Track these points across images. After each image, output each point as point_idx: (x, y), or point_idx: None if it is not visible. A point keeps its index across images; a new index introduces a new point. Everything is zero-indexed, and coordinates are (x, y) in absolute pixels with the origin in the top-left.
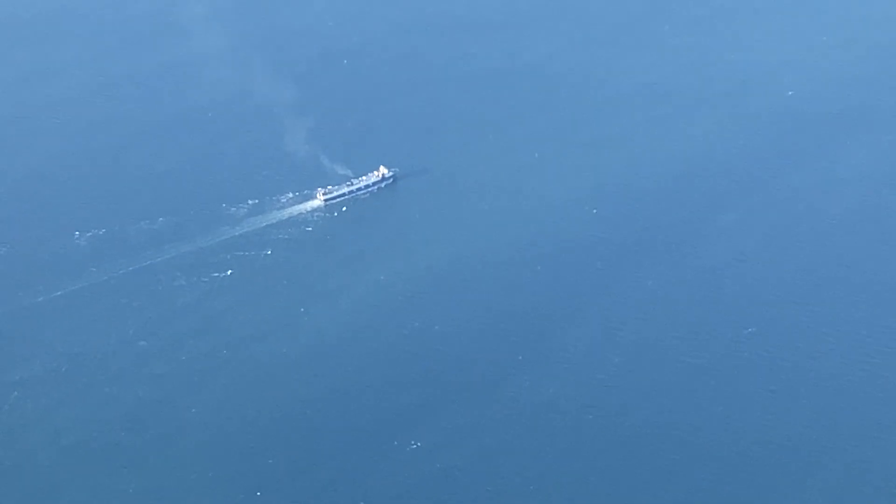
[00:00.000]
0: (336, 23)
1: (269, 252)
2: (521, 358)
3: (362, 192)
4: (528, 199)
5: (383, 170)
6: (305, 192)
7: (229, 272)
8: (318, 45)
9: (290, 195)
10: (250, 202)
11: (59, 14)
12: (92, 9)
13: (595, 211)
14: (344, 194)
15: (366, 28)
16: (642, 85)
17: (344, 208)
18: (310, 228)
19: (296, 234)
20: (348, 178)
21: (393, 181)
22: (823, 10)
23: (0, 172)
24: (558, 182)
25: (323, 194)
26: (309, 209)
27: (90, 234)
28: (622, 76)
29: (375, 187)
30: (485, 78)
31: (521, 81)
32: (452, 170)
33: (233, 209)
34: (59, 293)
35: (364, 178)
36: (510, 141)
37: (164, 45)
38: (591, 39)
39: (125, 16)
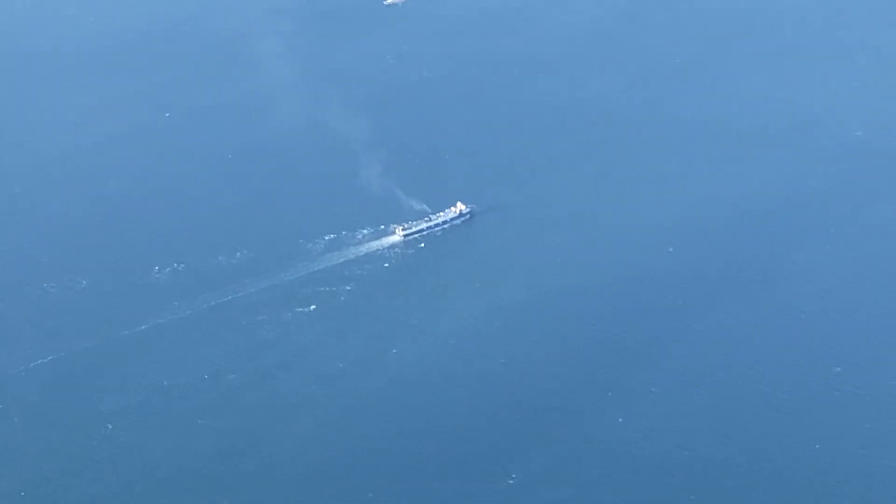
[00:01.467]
0: (400, 60)
1: (350, 287)
2: (610, 394)
3: (440, 227)
4: (603, 234)
5: (460, 206)
6: (381, 227)
7: (312, 307)
8: (386, 81)
9: (367, 230)
10: (327, 237)
11: (132, 47)
12: (165, 42)
13: (671, 249)
14: (422, 230)
15: (430, 65)
16: (709, 122)
17: (422, 244)
18: (388, 264)
19: (375, 270)
20: (425, 214)
21: (470, 217)
22: (885, 51)
23: (76, 204)
24: (631, 217)
25: (402, 230)
26: (387, 245)
27: (169, 268)
28: (688, 113)
29: (453, 223)
30: (552, 113)
31: (587, 117)
32: (527, 205)
33: (310, 244)
34: (143, 327)
35: (442, 213)
36: (582, 176)
37: (238, 79)
38: (656, 76)
39: (197, 49)
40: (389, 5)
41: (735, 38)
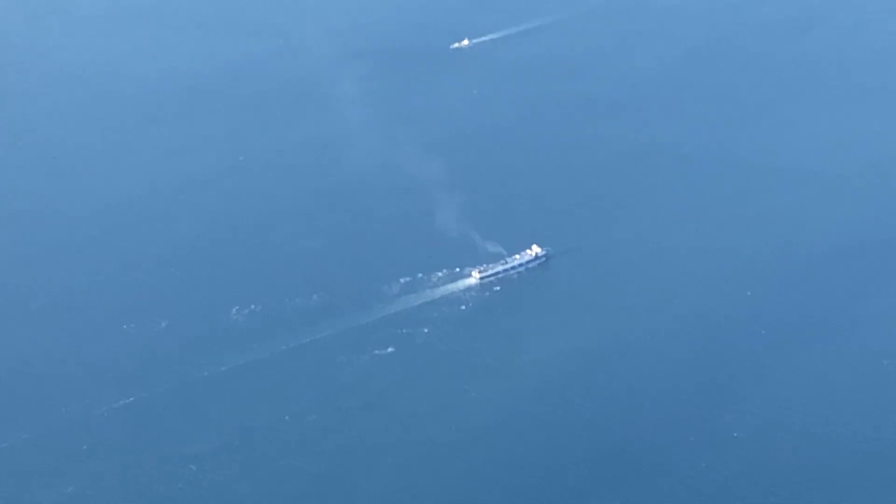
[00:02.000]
0: (471, 102)
1: (427, 330)
2: (692, 438)
3: (515, 270)
4: (680, 278)
5: (536, 248)
6: (456, 269)
7: (390, 349)
8: (458, 124)
9: (443, 273)
10: (402, 280)
11: (207, 90)
12: (239, 85)
13: (749, 293)
14: (499, 272)
15: (500, 107)
16: (783, 165)
17: (497, 287)
18: (465, 307)
19: (452, 313)
20: (500, 256)
21: (546, 259)
22: None
23: (154, 246)
24: (708, 260)
25: (479, 272)
26: (462, 287)
27: (247, 309)
28: (762, 156)
29: (528, 265)
30: (625, 156)
31: (660, 160)
32: (603, 248)
33: (385, 287)
34: (224, 368)
35: (518, 256)
36: (657, 219)
37: (311, 121)
38: (728, 119)
39: (271, 92)
40: (456, 49)
41: (808, 80)
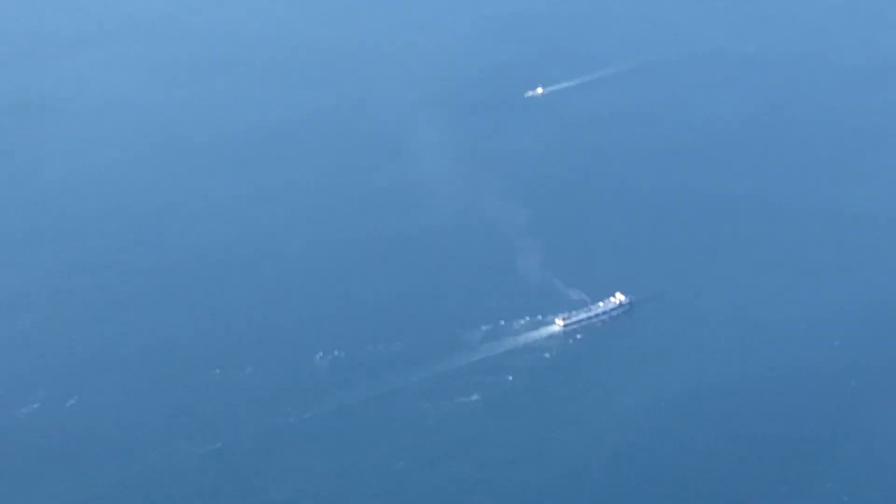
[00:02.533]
0: (548, 149)
1: (512, 378)
2: (784, 488)
3: (599, 317)
4: (766, 327)
5: (620, 296)
6: (538, 317)
7: (474, 397)
8: (536, 171)
9: (525, 320)
10: (484, 327)
11: (283, 136)
12: (314, 132)
13: (836, 343)
14: (582, 320)
15: (577, 154)
16: (867, 214)
17: (580, 335)
18: (548, 354)
19: (536, 360)
20: (584, 304)
21: (630, 308)
22: None
23: (237, 293)
24: (793, 309)
25: (563, 320)
26: (545, 335)
27: (331, 356)
28: (844, 203)
29: (612, 313)
30: (705, 203)
31: (741, 208)
32: (687, 296)
33: (467, 334)
34: (308, 415)
35: (602, 303)
36: (741, 267)
37: (388, 168)
38: (808, 168)
39: (349, 139)
40: (529, 97)
41: (889, 128)
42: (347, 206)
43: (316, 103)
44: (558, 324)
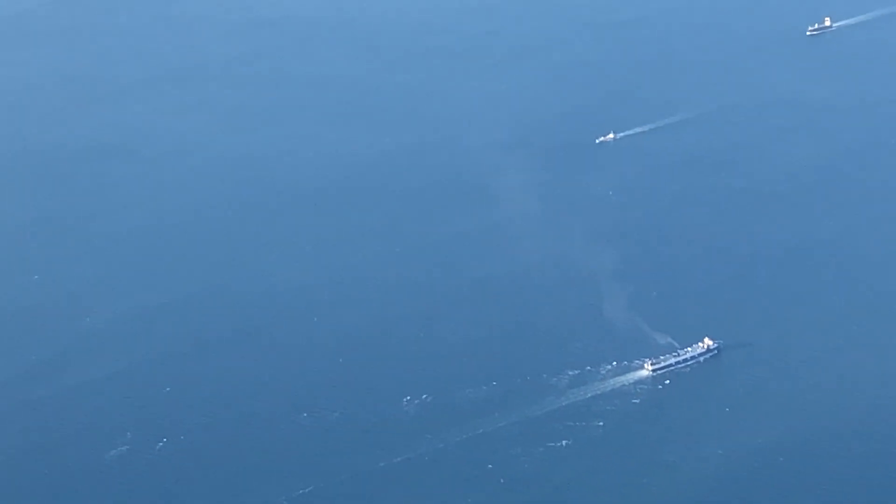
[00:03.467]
0: (626, 194)
1: (602, 423)
2: None
3: (687, 363)
4: (852, 376)
5: (708, 341)
6: (624, 362)
7: (564, 442)
8: (615, 215)
9: (612, 365)
10: (571, 372)
11: (359, 181)
12: (389, 176)
13: None
14: (671, 365)
15: (655, 199)
16: None
17: (667, 381)
18: (637, 400)
19: (625, 405)
20: (673, 349)
21: (717, 353)
22: None
23: (320, 338)
24: (883, 357)
25: (651, 364)
26: (632, 380)
27: (418, 400)
28: None
29: (700, 359)
30: (788, 249)
31: (823, 255)
32: (775, 343)
33: (554, 379)
34: (399, 459)
35: (689, 349)
36: (826, 315)
37: (465, 213)
38: (887, 214)
39: (423, 183)
40: (601, 143)
41: None
42: (430, 249)
43: (393, 147)
44: (647, 368)
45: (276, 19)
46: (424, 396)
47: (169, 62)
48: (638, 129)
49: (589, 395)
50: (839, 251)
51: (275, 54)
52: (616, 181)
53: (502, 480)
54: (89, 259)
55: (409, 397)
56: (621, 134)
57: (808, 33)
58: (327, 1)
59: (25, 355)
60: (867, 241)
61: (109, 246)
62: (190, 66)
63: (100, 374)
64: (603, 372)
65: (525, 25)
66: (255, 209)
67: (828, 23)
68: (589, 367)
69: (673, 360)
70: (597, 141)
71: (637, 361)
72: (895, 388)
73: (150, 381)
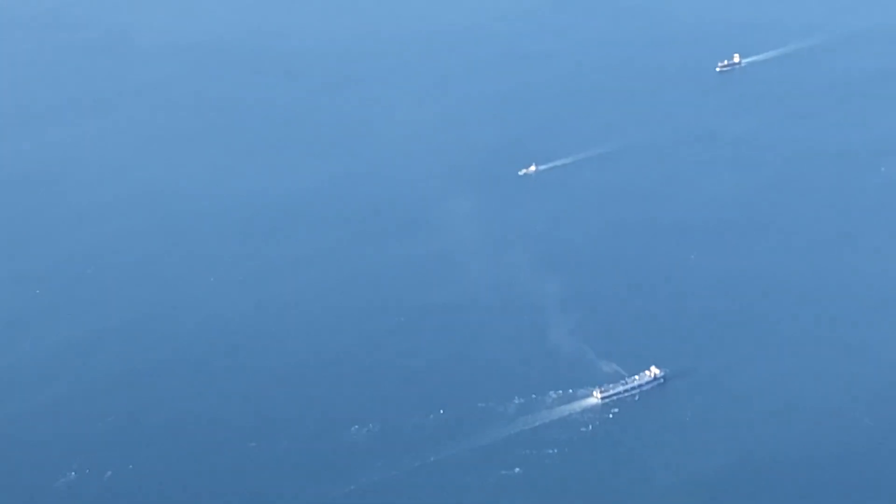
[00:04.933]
0: (555, 225)
1: (554, 451)
2: None
3: (634, 391)
4: (795, 404)
5: (654, 370)
6: (570, 390)
7: (517, 470)
8: (547, 245)
9: (558, 393)
10: (517, 400)
11: (294, 210)
12: (321, 202)
13: (868, 421)
14: (619, 392)
15: (580, 232)
16: (879, 291)
17: (616, 409)
18: (587, 428)
19: (575, 434)
20: (619, 376)
21: (663, 381)
22: None
23: (263, 366)
24: (822, 387)
25: (600, 392)
26: (581, 408)
27: (366, 429)
28: (855, 283)
29: (647, 387)
30: (717, 281)
31: (755, 285)
32: (719, 371)
33: (501, 407)
34: (351, 487)
35: (637, 377)
36: (769, 343)
37: (404, 239)
38: (814, 247)
39: (357, 209)
40: (523, 175)
41: (889, 208)
42: (366, 278)
43: (318, 176)
44: (596, 396)
45: (193, 45)
46: (371, 425)
47: (83, 89)
48: (559, 162)
49: (538, 423)
50: (769, 280)
51: (192, 81)
52: (545, 212)
53: None
54: (20, 288)
55: (356, 426)
56: (543, 166)
57: (717, 69)
58: (245, 27)
59: None
60: (794, 271)
61: (39, 274)
62: (106, 92)
63: (39, 402)
64: (550, 400)
65: (444, 56)
66: (186, 237)
67: (737, 59)
68: (535, 395)
69: (621, 388)
70: (519, 173)
71: (585, 389)
72: (837, 414)
73: (91, 410)
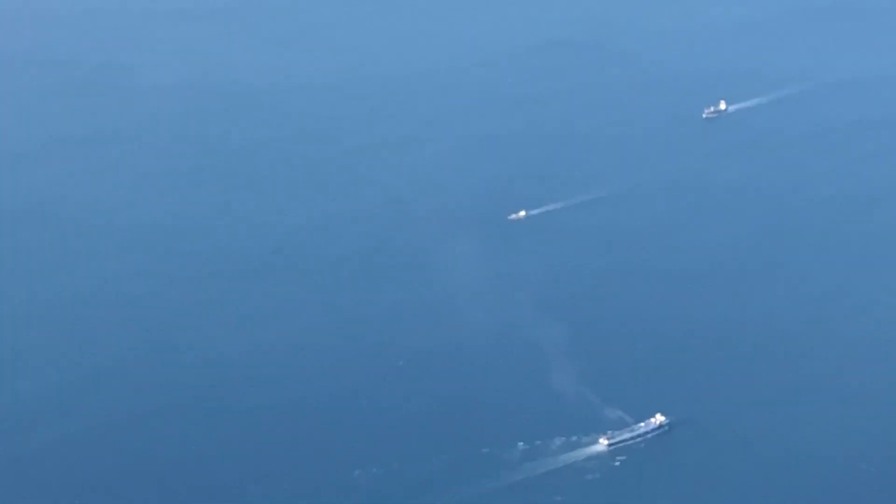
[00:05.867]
0: (552, 269)
1: (560, 499)
2: None
3: (639, 439)
4: (800, 452)
5: (660, 417)
6: (574, 437)
7: None
8: (546, 290)
9: (563, 439)
10: (521, 445)
11: (295, 251)
12: (308, 245)
13: (864, 466)
14: (625, 440)
15: (585, 275)
16: (880, 341)
17: (623, 456)
18: (592, 476)
19: (582, 482)
20: (625, 423)
21: (668, 429)
22: None
23: (262, 408)
24: (827, 435)
25: (607, 439)
26: (584, 456)
27: (369, 473)
28: (855, 333)
29: (651, 434)
30: (721, 329)
31: (754, 332)
32: (723, 419)
33: (505, 453)
34: None
35: (643, 424)
36: (768, 390)
37: (396, 283)
38: (814, 295)
39: (348, 253)
40: (513, 220)
41: (882, 256)
42: (364, 321)
43: (306, 218)
44: (602, 443)
45: (184, 84)
46: (375, 469)
47: (71, 126)
48: (549, 207)
49: (543, 469)
50: (769, 328)
51: (179, 120)
52: (540, 257)
53: None
54: (11, 328)
55: (359, 470)
56: (533, 211)
57: (704, 116)
58: (237, 67)
59: None
60: (793, 319)
61: (32, 314)
62: (94, 130)
63: (33, 445)
64: (555, 446)
65: (428, 99)
66: (179, 278)
67: (723, 106)
68: (539, 441)
69: (628, 436)
70: (509, 218)
71: (590, 436)
72: (839, 467)
73: (90, 451)
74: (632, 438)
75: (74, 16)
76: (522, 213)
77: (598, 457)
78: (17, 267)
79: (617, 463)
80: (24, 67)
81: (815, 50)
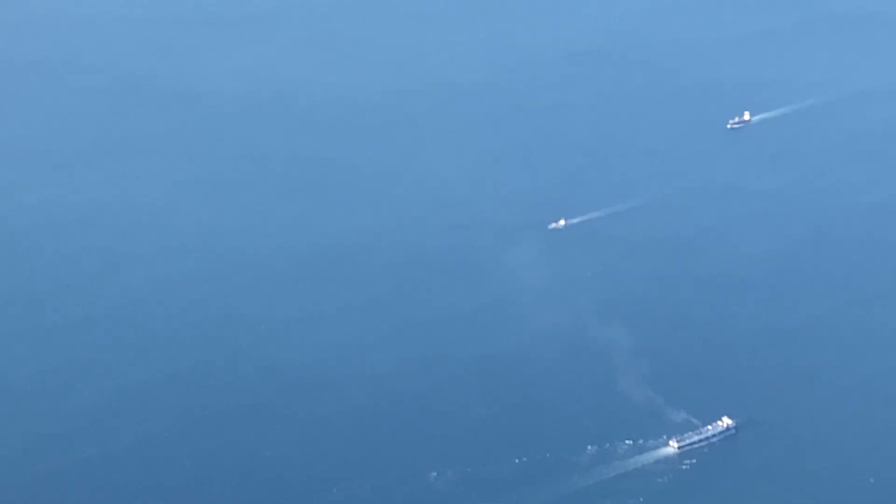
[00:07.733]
0: (598, 277)
1: (632, 502)
2: None
3: (706, 442)
4: (871, 459)
5: (727, 420)
6: (641, 440)
7: None
8: (599, 296)
9: (631, 442)
10: (590, 449)
11: (350, 255)
12: (361, 252)
13: None
14: (694, 443)
15: (636, 282)
16: None
17: (693, 459)
18: (664, 479)
19: (653, 485)
20: (692, 426)
21: (735, 432)
22: None
23: (333, 412)
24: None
25: (677, 442)
26: (655, 458)
27: (444, 476)
28: None
29: (716, 438)
30: (778, 334)
31: (810, 338)
32: (789, 422)
33: (575, 457)
34: None
35: (710, 427)
36: (830, 394)
37: (457, 289)
38: (861, 298)
39: (399, 258)
40: (553, 229)
41: None
42: (425, 326)
43: (350, 226)
44: (672, 446)
45: (207, 93)
46: (450, 472)
47: (107, 134)
48: (588, 216)
49: (613, 473)
50: (822, 334)
51: (212, 128)
52: (587, 265)
53: None
54: (70, 335)
55: (435, 473)
56: (573, 220)
57: (728, 126)
58: (268, 77)
59: (12, 438)
60: (846, 324)
61: (88, 320)
62: (129, 137)
63: (105, 450)
64: (623, 449)
65: (459, 108)
66: (231, 284)
67: (747, 117)
68: (608, 445)
69: (697, 438)
70: (549, 226)
71: (659, 439)
72: None
73: (159, 456)
74: (700, 441)
75: (113, 22)
76: (562, 221)
77: (667, 460)
78: (78, 272)
79: (686, 466)
80: (68, 73)
81: (838, 60)
